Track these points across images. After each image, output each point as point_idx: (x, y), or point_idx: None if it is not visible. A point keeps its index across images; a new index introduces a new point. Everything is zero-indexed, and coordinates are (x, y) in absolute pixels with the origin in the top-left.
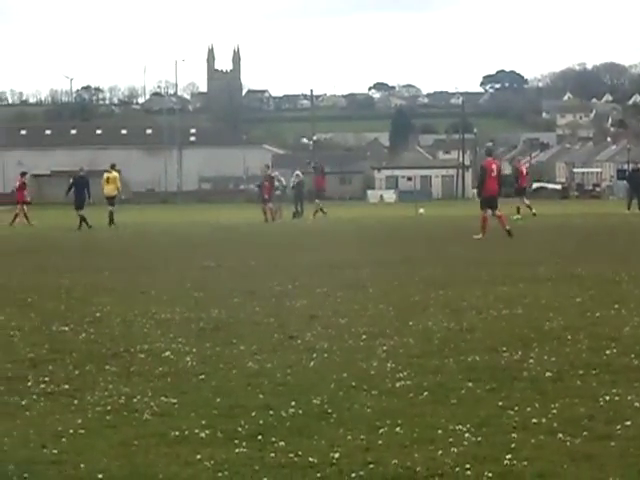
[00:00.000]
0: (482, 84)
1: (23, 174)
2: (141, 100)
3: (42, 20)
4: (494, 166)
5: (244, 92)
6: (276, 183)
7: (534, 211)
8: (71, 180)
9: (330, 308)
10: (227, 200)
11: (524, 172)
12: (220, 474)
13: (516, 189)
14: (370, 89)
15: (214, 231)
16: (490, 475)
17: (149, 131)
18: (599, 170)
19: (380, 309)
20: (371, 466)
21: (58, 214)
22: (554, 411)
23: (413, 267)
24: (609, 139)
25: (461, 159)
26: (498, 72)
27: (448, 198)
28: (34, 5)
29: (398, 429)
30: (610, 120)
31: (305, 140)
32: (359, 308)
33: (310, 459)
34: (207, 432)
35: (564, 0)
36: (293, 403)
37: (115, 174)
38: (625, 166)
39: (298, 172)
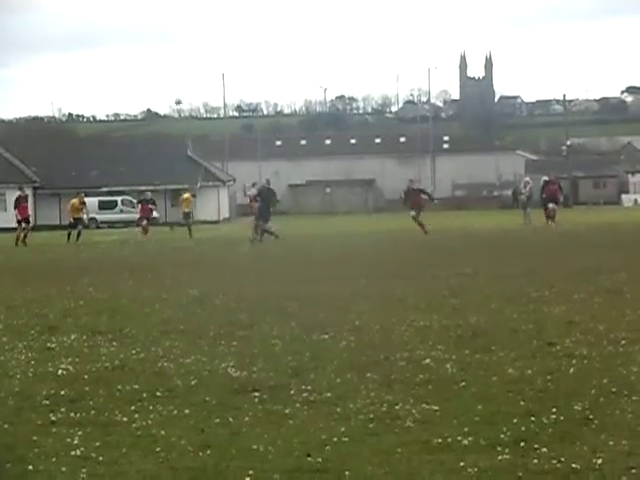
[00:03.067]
0: None
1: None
2: (394, 108)
3: (295, 31)
4: None
5: (496, 98)
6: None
7: None
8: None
9: (588, 314)
10: (481, 207)
11: None
12: None
13: None
14: (622, 93)
15: (469, 238)
16: None
17: (403, 139)
18: None
19: (638, 314)
20: (633, 471)
21: (310, 223)
22: None
23: None
24: None
25: None
26: None
27: None
28: (287, 17)
29: None
30: None
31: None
32: (617, 314)
33: (573, 465)
34: (470, 439)
35: None
36: (554, 409)
37: None
38: None
39: (546, 177)
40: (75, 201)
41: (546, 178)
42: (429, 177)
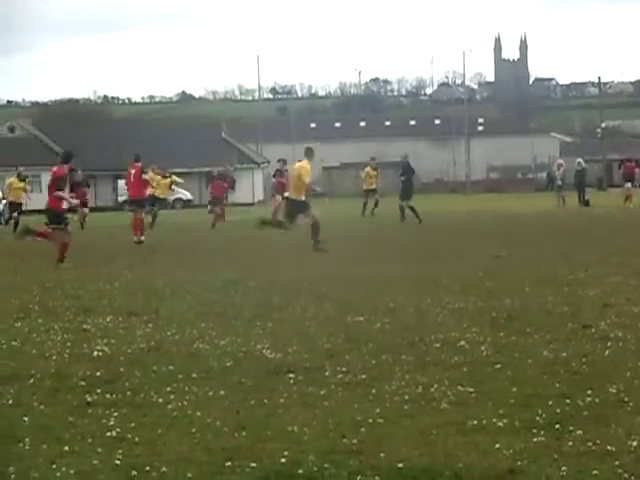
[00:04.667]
0: None
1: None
2: (429, 91)
3: (330, 13)
4: None
5: (531, 80)
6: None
7: None
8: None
9: (623, 296)
10: (515, 189)
11: None
12: (519, 463)
13: None
14: None
15: (504, 220)
16: None
17: (437, 121)
18: None
19: None
20: None
21: (347, 205)
22: None
23: None
24: None
25: None
26: None
27: None
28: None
29: None
30: None
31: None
32: None
33: (608, 447)
34: (505, 421)
35: None
36: (589, 392)
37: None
38: None
39: (580, 160)
40: (150, 173)
41: (580, 160)
42: (464, 159)
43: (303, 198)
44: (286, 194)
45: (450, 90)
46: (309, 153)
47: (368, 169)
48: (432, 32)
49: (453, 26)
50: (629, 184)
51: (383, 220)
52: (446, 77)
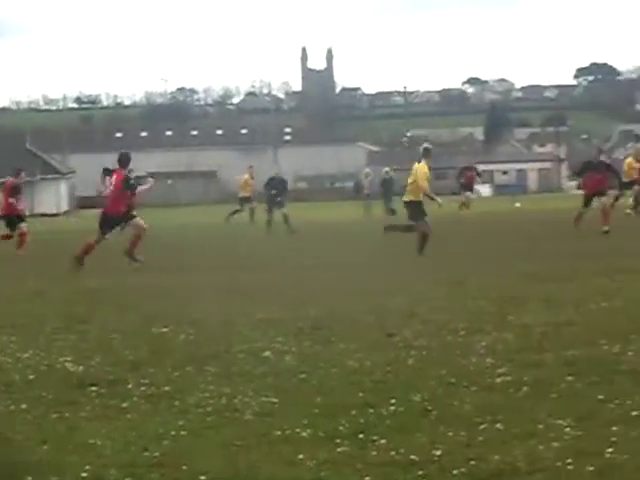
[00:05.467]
0: (575, 77)
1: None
2: (236, 100)
3: (134, 22)
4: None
5: (338, 90)
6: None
7: None
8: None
9: (429, 305)
10: (324, 198)
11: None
12: (323, 473)
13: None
14: (464, 84)
15: (310, 229)
16: (591, 469)
17: (244, 131)
18: None
19: (478, 305)
20: (472, 462)
21: (156, 215)
22: None
23: (510, 262)
24: None
25: (556, 152)
26: (591, 64)
27: (544, 191)
28: (124, 8)
29: (499, 425)
30: None
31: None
32: (458, 304)
33: (412, 457)
34: (308, 431)
35: None
36: (393, 401)
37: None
38: None
39: (387, 169)
40: (246, 177)
41: (387, 169)
42: (272, 169)
43: (420, 199)
44: (404, 198)
45: (257, 99)
46: (426, 153)
47: (247, 177)
48: (240, 41)
49: (260, 35)
50: (469, 193)
51: (188, 230)
52: (253, 86)
